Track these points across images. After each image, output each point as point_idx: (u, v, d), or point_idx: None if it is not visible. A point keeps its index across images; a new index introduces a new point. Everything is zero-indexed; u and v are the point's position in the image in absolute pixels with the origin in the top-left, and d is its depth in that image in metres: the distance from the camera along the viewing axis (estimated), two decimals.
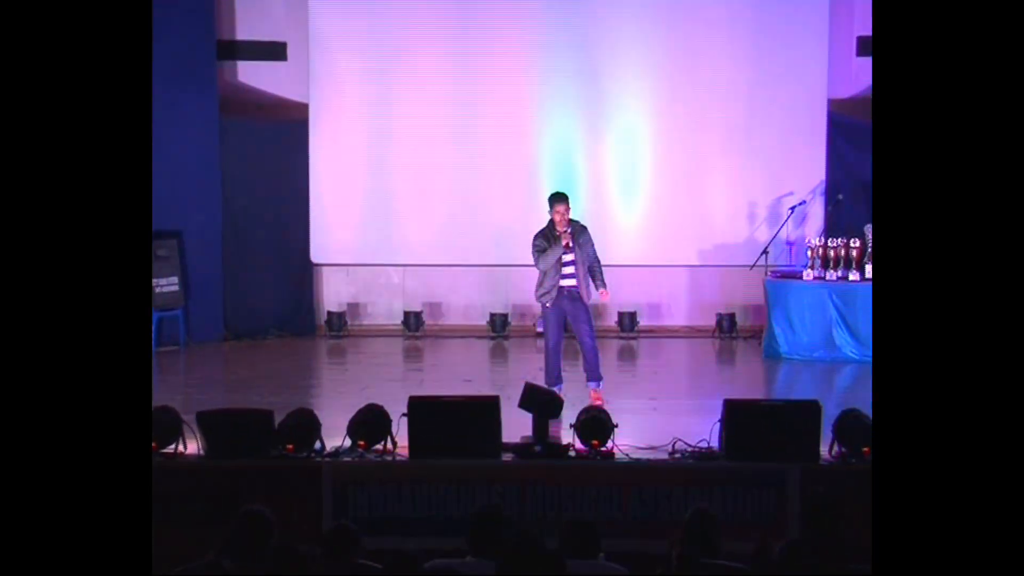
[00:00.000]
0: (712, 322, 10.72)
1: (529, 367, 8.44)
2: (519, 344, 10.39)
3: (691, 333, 10.79)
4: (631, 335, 10.59)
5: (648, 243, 10.76)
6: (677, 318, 11.00)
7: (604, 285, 7.25)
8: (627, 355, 10.03)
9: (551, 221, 7.19)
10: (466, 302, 11.10)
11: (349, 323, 10.91)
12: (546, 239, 7.19)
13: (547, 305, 7.26)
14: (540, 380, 7.23)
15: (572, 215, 7.28)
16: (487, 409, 5.79)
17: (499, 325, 10.69)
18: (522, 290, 11.05)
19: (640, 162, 10.81)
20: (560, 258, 7.14)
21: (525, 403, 6.00)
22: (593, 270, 7.24)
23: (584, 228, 7.26)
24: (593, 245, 7.27)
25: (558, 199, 7.19)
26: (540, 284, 7.28)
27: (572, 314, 7.28)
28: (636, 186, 10.85)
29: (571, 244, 7.08)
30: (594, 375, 7.34)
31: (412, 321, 10.72)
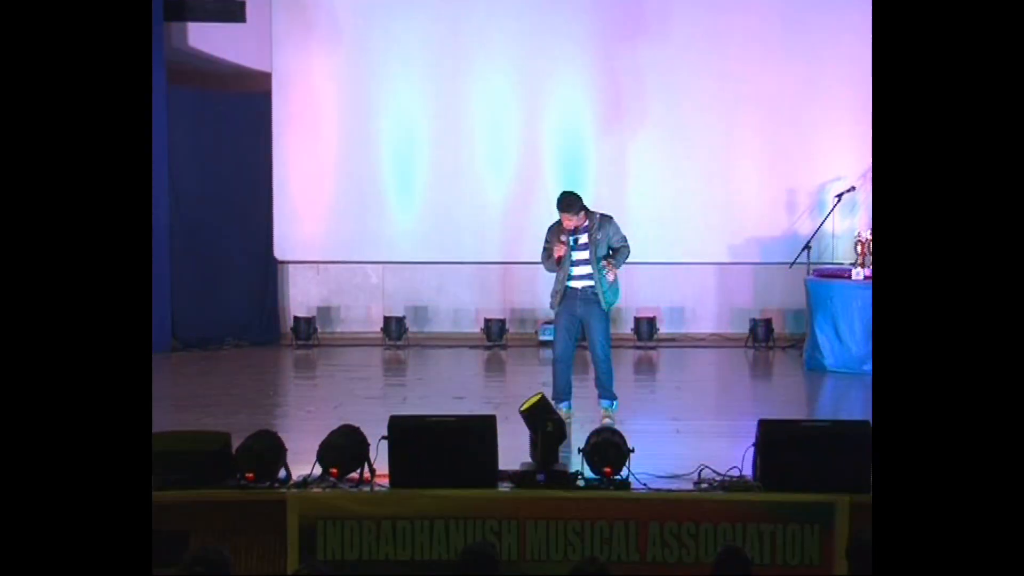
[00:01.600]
0: (745, 329, 10.74)
1: (531, 382, 8.45)
2: (519, 355, 10.40)
3: (720, 342, 10.79)
4: (650, 344, 10.60)
5: (670, 237, 10.75)
6: (704, 324, 11.02)
7: (616, 266, 7.24)
8: (645, 368, 10.02)
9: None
10: (456, 305, 11.12)
11: (319, 330, 10.91)
12: (555, 237, 7.27)
13: (556, 308, 7.34)
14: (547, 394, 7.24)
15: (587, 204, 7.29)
16: (481, 431, 5.79)
17: (495, 332, 10.71)
18: (522, 291, 11.08)
19: (660, 143, 10.85)
20: (567, 256, 7.16)
21: (531, 415, 6.00)
22: (612, 253, 7.27)
23: (607, 220, 7.27)
24: (621, 234, 7.29)
25: (560, 206, 7.20)
26: (553, 286, 7.37)
27: (586, 319, 7.31)
28: (655, 170, 10.88)
29: (568, 251, 7.13)
30: (607, 392, 7.37)
31: (393, 328, 10.73)
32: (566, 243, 7.17)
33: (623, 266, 7.39)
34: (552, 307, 7.42)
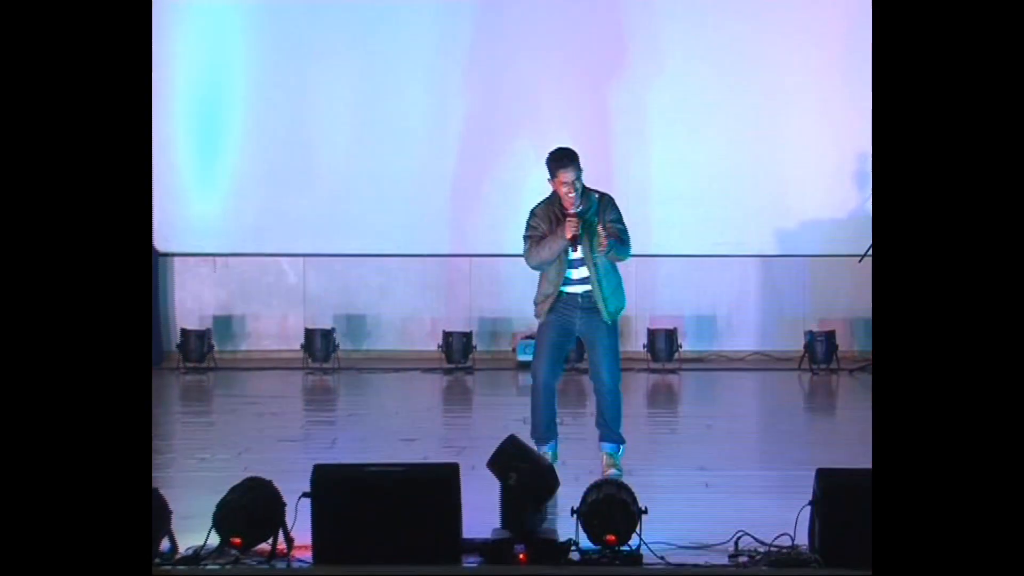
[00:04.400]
0: (798, 346, 10.84)
1: (506, 417, 8.47)
2: (490, 381, 10.48)
3: (764, 362, 10.92)
4: (669, 366, 10.66)
5: (695, 220, 10.96)
6: (742, 339, 11.16)
7: (610, 251, 7.10)
8: (663, 398, 10.09)
9: (555, 193, 7.19)
10: (405, 313, 11.22)
11: (217, 348, 10.92)
12: (546, 220, 7.20)
13: (542, 318, 7.31)
14: (526, 433, 7.24)
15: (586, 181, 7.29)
16: (439, 485, 5.78)
17: (458, 350, 10.79)
18: (493, 295, 11.11)
19: (684, 102, 11.04)
20: (566, 251, 7.13)
21: (500, 464, 6.00)
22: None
23: (608, 202, 7.23)
24: (623, 224, 7.22)
25: (560, 162, 7.13)
26: (539, 287, 7.35)
27: (587, 334, 7.31)
28: (679, 138, 11.03)
29: (578, 235, 7.07)
30: (611, 433, 7.36)
31: (319, 344, 10.80)
32: (576, 218, 7.03)
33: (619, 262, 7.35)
34: (537, 316, 7.41)
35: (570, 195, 7.05)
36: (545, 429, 7.31)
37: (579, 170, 7.08)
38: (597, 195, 7.22)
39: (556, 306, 7.24)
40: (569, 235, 7.00)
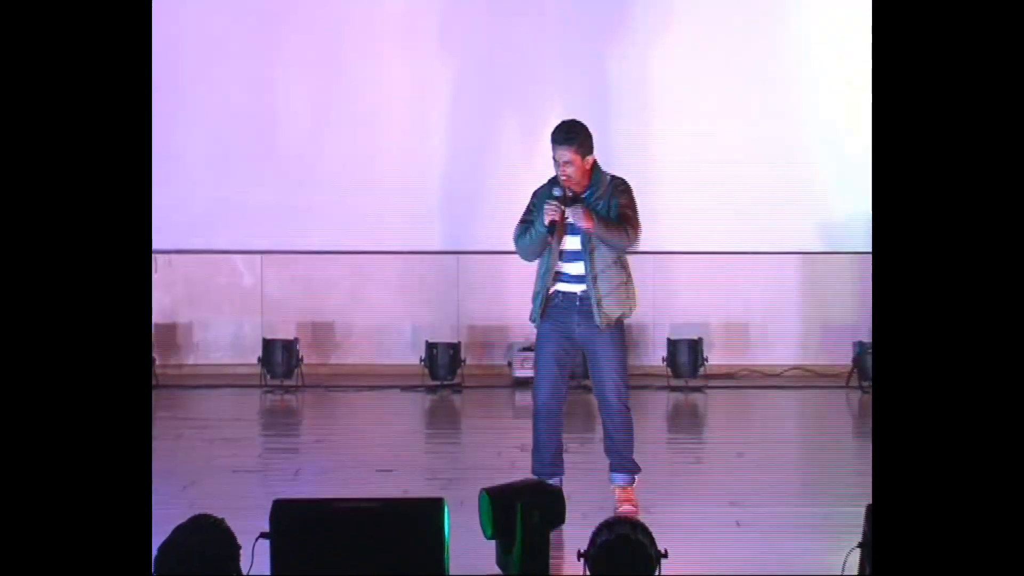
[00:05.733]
0: (846, 359, 10.83)
1: (501, 444, 8.46)
2: (482, 400, 10.50)
3: (806, 379, 10.93)
4: (693, 383, 10.65)
5: (724, 212, 10.88)
6: (780, 351, 11.15)
7: (599, 229, 7.11)
8: (685, 421, 10.11)
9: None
10: (381, 321, 11.20)
11: (158, 361, 10.91)
12: (540, 205, 7.23)
13: (538, 324, 7.35)
14: (519, 471, 7.22)
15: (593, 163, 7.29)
16: (421, 524, 5.80)
17: (444, 364, 10.77)
18: (486, 299, 11.10)
19: (707, 68, 11.05)
20: (558, 243, 7.17)
21: (497, 501, 6.04)
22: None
23: (621, 186, 7.24)
24: (631, 206, 7.22)
25: (553, 138, 7.23)
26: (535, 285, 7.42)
27: (587, 344, 7.34)
28: (700, 111, 11.02)
29: (563, 220, 7.12)
30: (622, 462, 7.38)
31: (279, 358, 10.79)
32: (559, 204, 7.09)
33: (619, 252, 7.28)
34: (533, 319, 7.43)
35: (562, 176, 7.10)
36: (550, 462, 7.33)
37: (578, 149, 7.12)
38: (610, 179, 7.22)
39: (551, 310, 7.27)
40: (547, 220, 7.06)
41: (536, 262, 7.33)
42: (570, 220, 7.11)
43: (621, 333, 7.35)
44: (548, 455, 7.33)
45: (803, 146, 11.04)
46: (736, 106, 11.09)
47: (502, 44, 11.20)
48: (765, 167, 10.97)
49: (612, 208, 7.15)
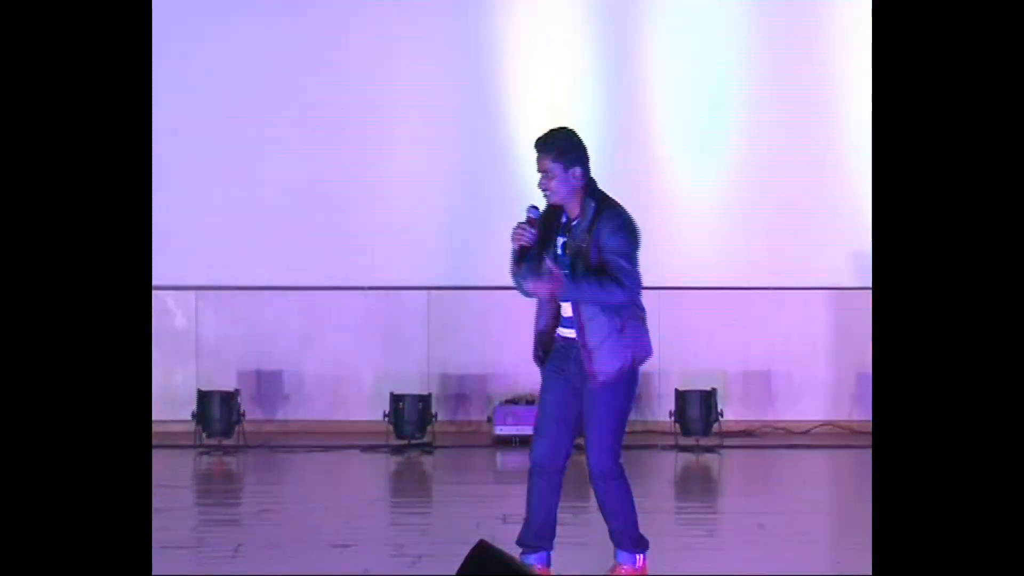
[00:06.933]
0: None
1: (479, 515, 8.56)
2: (456, 462, 10.67)
3: (840, 437, 11.09)
4: (706, 442, 10.70)
5: (742, 243, 10.88)
6: (807, 406, 11.29)
7: (570, 290, 7.11)
8: (696, 485, 10.25)
9: None
10: (338, 370, 11.26)
11: None
12: (540, 225, 7.23)
13: (541, 367, 7.38)
14: (502, 546, 7.16)
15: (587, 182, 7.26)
16: None
17: (412, 421, 10.86)
18: (461, 343, 11.10)
19: (723, 80, 11.25)
20: (541, 267, 7.10)
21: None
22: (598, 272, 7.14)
23: (609, 212, 7.16)
24: (625, 252, 7.15)
25: (536, 145, 7.26)
26: None
27: (583, 395, 7.27)
28: (716, 134, 11.15)
29: (530, 246, 7.16)
30: (627, 538, 7.31)
31: (217, 412, 10.82)
32: (529, 224, 7.08)
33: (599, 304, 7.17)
34: (536, 360, 7.37)
35: (542, 189, 7.16)
36: (537, 533, 7.27)
37: (557, 157, 7.13)
38: (597, 200, 7.16)
39: (554, 354, 7.31)
40: (515, 245, 7.15)
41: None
42: (522, 248, 7.16)
43: (624, 385, 7.25)
44: (536, 523, 7.27)
45: (836, 166, 11.05)
46: (759, 125, 11.12)
47: (471, 63, 11.32)
48: (791, 190, 10.96)
49: (603, 248, 7.09)
